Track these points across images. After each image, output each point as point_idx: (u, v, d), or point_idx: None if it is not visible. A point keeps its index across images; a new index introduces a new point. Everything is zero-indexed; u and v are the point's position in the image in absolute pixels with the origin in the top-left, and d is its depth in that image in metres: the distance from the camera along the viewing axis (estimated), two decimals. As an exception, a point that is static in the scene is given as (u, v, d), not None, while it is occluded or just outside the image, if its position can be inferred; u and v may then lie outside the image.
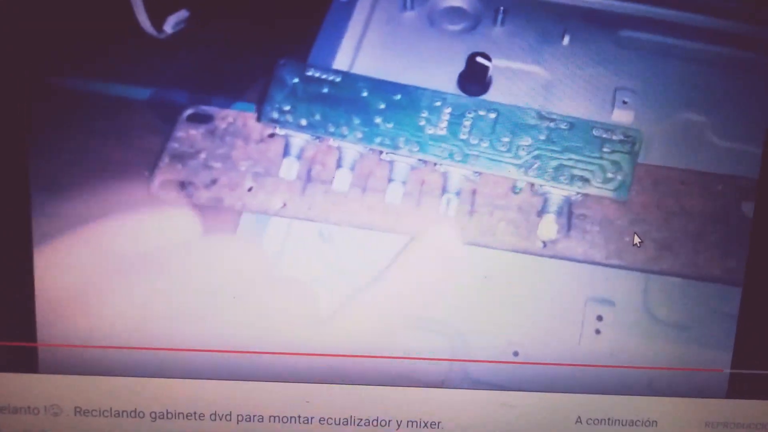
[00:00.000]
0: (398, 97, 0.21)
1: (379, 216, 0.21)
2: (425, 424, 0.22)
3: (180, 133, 0.21)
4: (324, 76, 0.21)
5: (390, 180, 0.21)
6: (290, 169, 0.21)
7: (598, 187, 0.21)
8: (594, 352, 0.22)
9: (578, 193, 0.21)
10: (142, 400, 0.22)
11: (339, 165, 0.21)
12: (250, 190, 0.21)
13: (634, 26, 0.22)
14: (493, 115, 0.21)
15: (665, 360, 0.22)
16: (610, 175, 0.21)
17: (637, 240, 0.22)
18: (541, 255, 0.22)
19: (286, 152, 0.22)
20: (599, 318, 0.22)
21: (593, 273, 0.22)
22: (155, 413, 0.22)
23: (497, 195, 0.22)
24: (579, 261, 0.22)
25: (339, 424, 0.22)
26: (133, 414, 0.22)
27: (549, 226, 0.21)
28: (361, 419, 0.22)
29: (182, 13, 0.20)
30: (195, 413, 0.22)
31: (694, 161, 0.22)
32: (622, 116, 0.21)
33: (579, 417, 0.22)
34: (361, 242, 0.22)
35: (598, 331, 0.22)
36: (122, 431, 0.22)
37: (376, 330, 0.22)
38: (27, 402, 0.22)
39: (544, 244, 0.22)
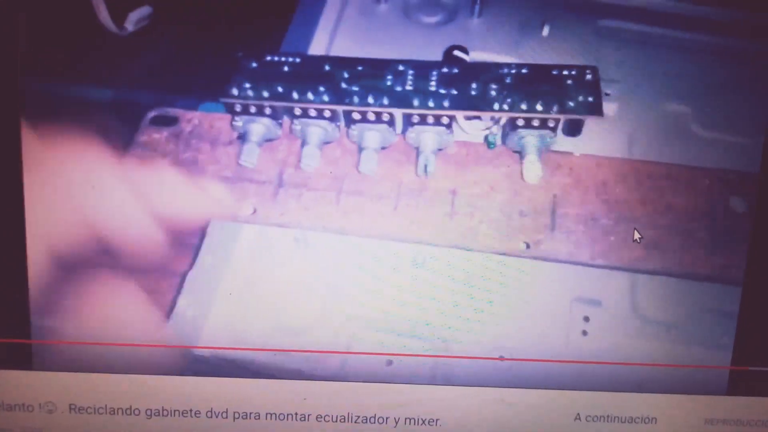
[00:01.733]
0: (360, 68, 0.21)
1: (355, 221, 0.21)
2: (423, 421, 0.22)
3: (143, 137, 0.21)
4: (284, 59, 0.21)
5: (361, 149, 0.21)
6: (251, 154, 0.21)
7: (572, 110, 0.21)
8: (581, 352, 0.22)
9: (554, 126, 0.21)
10: (138, 398, 0.22)
11: (305, 143, 0.21)
12: (254, 213, 0.21)
13: (615, 15, 0.21)
14: (456, 71, 0.21)
15: (654, 359, 0.22)
16: (581, 98, 0.21)
17: (637, 236, 0.21)
18: (524, 257, 0.21)
19: (245, 138, 0.21)
20: (586, 319, 0.21)
21: (579, 273, 0.21)
22: (150, 410, 0.22)
23: (477, 195, 0.21)
24: (563, 262, 0.21)
25: (336, 421, 0.22)
26: (128, 411, 0.22)
27: (532, 167, 0.21)
28: (359, 416, 0.22)
29: (145, 10, 0.20)
30: (191, 410, 0.22)
31: (678, 153, 0.21)
32: (605, 109, 0.21)
33: (578, 414, 0.22)
34: (337, 246, 0.21)
35: (585, 332, 0.21)
36: (117, 429, 0.22)
37: (359, 328, 0.21)
38: (21, 399, 0.22)
39: (527, 245, 0.21)
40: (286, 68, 0.21)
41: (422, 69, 0.21)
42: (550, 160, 0.21)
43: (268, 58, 0.21)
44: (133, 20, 0.20)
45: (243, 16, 0.21)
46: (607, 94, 0.21)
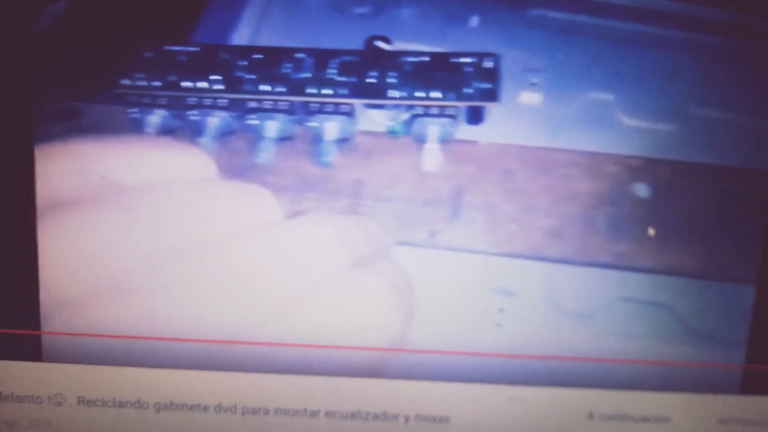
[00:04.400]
0: (260, 56, 0.21)
1: None
2: (434, 419, 0.22)
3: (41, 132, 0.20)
4: (181, 49, 0.21)
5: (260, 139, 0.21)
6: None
7: (468, 97, 0.21)
8: (496, 343, 0.22)
9: (454, 114, 0.21)
10: (146, 391, 0.22)
11: (200, 134, 0.21)
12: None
13: (544, 5, 0.21)
14: (356, 58, 0.21)
15: (570, 350, 0.22)
16: (479, 85, 0.21)
17: (651, 232, 0.21)
18: (427, 247, 0.21)
19: (142, 128, 0.21)
20: (501, 310, 0.21)
21: (493, 263, 0.21)
22: (159, 404, 0.22)
23: (382, 185, 0.21)
24: (466, 251, 0.21)
25: (346, 417, 0.22)
26: (136, 404, 0.22)
27: (431, 155, 0.21)
28: (369, 413, 0.22)
29: (59, 5, 0.20)
30: (199, 405, 0.22)
31: (600, 141, 0.21)
32: (529, 98, 0.21)
33: (591, 412, 0.22)
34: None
35: (499, 324, 0.21)
36: (125, 421, 0.22)
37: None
38: (30, 391, 0.22)
39: (431, 233, 0.21)
40: (183, 57, 0.21)
41: (321, 56, 0.21)
42: (456, 149, 0.21)
43: (166, 47, 0.21)
44: (48, 15, 0.20)
45: (160, 4, 0.20)
46: (533, 84, 0.21)
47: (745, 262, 0.22)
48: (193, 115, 0.21)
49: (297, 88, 0.21)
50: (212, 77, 0.21)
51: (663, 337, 0.22)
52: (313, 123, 0.21)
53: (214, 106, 0.21)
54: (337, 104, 0.21)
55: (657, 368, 0.22)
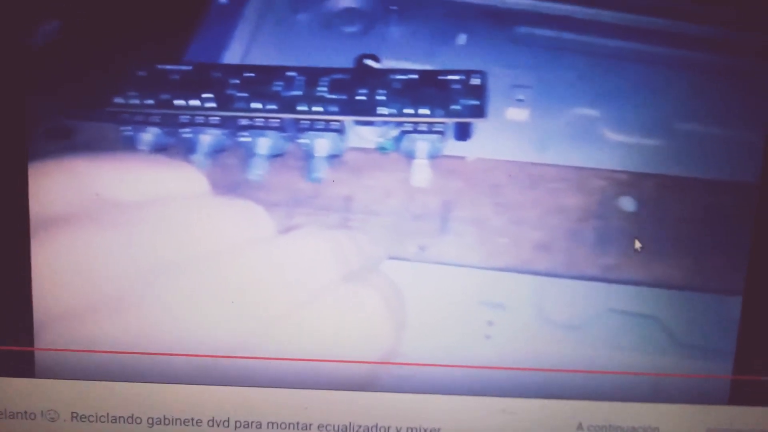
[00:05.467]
0: (251, 74, 0.21)
1: None
2: (425, 431, 0.22)
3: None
4: (173, 68, 0.21)
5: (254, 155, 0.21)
6: None
7: (456, 113, 0.21)
8: (485, 355, 0.22)
9: (442, 131, 0.21)
10: (140, 406, 0.22)
11: (193, 151, 0.21)
12: None
13: (530, 22, 0.21)
14: (346, 76, 0.21)
15: (559, 362, 0.22)
16: (466, 102, 0.21)
17: (638, 245, 0.21)
18: (417, 260, 0.21)
19: (135, 145, 0.21)
20: (489, 323, 0.22)
21: (482, 276, 0.22)
22: (152, 419, 0.22)
23: (371, 200, 0.21)
24: (455, 265, 0.21)
25: (338, 430, 0.22)
26: (130, 420, 0.22)
27: (420, 171, 0.21)
28: (360, 426, 0.22)
29: (53, 24, 0.20)
30: (192, 419, 0.22)
31: (586, 156, 0.21)
32: (516, 114, 0.21)
33: (580, 423, 0.22)
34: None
35: (488, 336, 0.22)
36: (119, 437, 0.22)
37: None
38: (24, 407, 0.22)
39: (421, 248, 0.21)
40: (175, 77, 0.21)
41: (312, 75, 0.21)
42: (444, 164, 0.22)
43: (159, 66, 0.21)
44: (42, 34, 0.20)
45: (151, 24, 0.21)
46: (520, 100, 0.21)
47: (732, 273, 0.22)
48: (186, 132, 0.21)
49: (288, 105, 0.21)
50: (204, 95, 0.21)
51: (651, 348, 0.22)
52: (304, 140, 0.21)
53: (207, 124, 0.21)
54: (327, 121, 0.21)
55: (645, 379, 0.22)
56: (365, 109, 0.21)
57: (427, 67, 0.21)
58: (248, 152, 0.21)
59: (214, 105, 0.21)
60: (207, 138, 0.21)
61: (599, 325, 0.22)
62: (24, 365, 0.21)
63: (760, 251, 0.21)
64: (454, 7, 0.21)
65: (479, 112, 0.21)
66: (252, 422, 0.22)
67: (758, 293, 0.22)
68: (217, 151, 0.21)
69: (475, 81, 0.21)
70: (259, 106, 0.21)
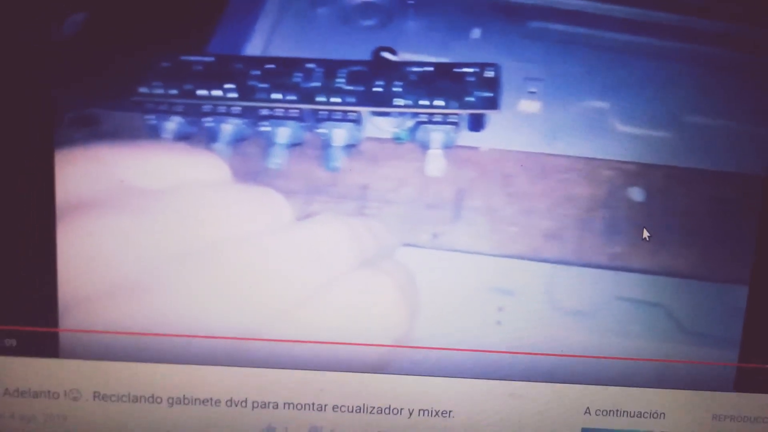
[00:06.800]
0: (272, 66, 0.22)
1: None
2: (437, 413, 0.23)
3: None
4: (196, 59, 0.22)
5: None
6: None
7: (470, 105, 0.21)
8: (496, 340, 0.22)
9: (456, 122, 0.22)
10: (160, 386, 0.22)
11: (215, 140, 0.22)
12: None
13: (543, 17, 0.22)
14: (363, 68, 0.22)
15: (568, 348, 0.22)
16: (480, 94, 0.21)
17: (646, 234, 0.22)
18: (431, 248, 0.22)
19: (158, 134, 0.22)
20: (500, 309, 0.22)
21: (493, 263, 0.22)
22: (172, 399, 0.22)
23: (387, 189, 0.22)
24: (467, 252, 0.22)
25: (352, 411, 0.23)
26: (150, 399, 0.22)
27: (435, 161, 0.22)
28: (374, 407, 0.23)
29: (80, 16, 0.20)
30: (211, 399, 0.22)
31: (596, 147, 0.22)
32: (528, 106, 0.22)
33: (587, 408, 0.23)
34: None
35: (498, 322, 0.22)
36: (139, 416, 0.22)
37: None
38: (47, 386, 0.22)
39: (435, 236, 0.22)
40: (199, 68, 0.22)
41: (330, 67, 0.22)
42: (458, 154, 0.22)
43: (182, 57, 0.22)
44: (68, 25, 0.20)
45: (174, 17, 0.21)
46: (532, 92, 0.22)
47: (738, 263, 0.22)
48: (208, 121, 0.22)
49: (307, 96, 0.22)
50: (226, 86, 0.22)
51: (658, 335, 0.22)
52: (322, 130, 0.22)
53: (228, 114, 0.22)
54: (345, 112, 0.22)
55: (652, 366, 0.22)
56: (382, 101, 0.22)
57: (443, 60, 0.22)
58: (268, 141, 0.22)
59: (235, 95, 0.22)
60: (228, 127, 0.22)
61: (607, 313, 0.22)
62: (49, 346, 0.22)
63: (766, 242, 0.22)
64: (469, 2, 0.22)
65: (492, 103, 0.22)
66: (269, 402, 0.22)
67: (764, 283, 0.22)
68: (238, 140, 0.22)
69: (489, 74, 0.22)
70: (279, 96, 0.22)
